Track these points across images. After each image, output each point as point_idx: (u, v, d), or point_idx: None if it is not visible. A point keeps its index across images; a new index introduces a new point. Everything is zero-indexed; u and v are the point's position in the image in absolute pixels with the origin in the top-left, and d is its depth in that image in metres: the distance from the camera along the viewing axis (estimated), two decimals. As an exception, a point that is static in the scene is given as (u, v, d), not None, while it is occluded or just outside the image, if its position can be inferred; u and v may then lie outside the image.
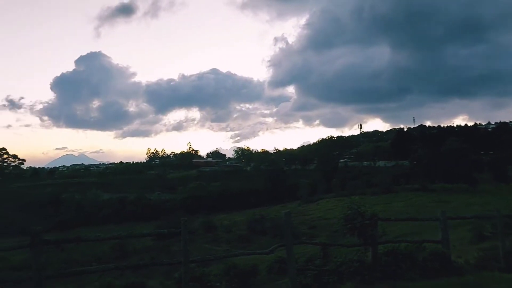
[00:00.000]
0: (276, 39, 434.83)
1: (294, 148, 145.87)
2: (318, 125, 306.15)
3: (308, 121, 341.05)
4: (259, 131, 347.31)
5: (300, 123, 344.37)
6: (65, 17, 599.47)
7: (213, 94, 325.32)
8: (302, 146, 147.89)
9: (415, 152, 53.52)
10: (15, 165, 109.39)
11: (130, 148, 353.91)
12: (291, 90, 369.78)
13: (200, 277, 8.13)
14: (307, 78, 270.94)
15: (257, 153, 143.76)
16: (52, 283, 8.38)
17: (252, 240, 27.26)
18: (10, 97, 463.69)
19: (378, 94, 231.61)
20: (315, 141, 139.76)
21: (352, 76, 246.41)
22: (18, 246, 6.65)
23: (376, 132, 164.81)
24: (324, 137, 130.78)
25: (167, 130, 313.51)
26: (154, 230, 24.10)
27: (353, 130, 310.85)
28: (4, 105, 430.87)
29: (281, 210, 34.57)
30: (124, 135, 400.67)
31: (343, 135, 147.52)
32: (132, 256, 25.64)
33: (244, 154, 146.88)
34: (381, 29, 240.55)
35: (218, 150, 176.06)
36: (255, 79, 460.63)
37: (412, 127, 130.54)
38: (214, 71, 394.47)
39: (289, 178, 70.16)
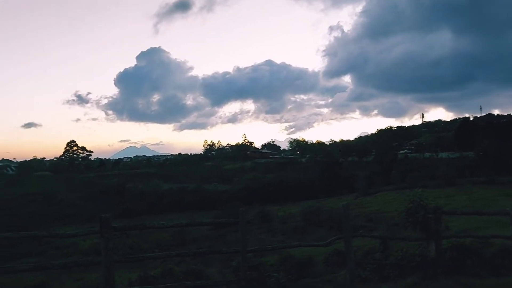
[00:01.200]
0: (331, 28, 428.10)
1: (351, 139, 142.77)
2: (376, 115, 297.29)
3: (366, 111, 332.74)
4: (314, 122, 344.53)
5: (357, 114, 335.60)
6: (127, 16, 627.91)
7: (267, 85, 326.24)
8: (360, 137, 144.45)
9: (481, 143, 50.27)
10: (84, 156, 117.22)
11: (187, 140, 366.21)
12: (347, 80, 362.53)
13: (257, 267, 8.23)
14: (364, 67, 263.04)
15: (312, 144, 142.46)
16: (119, 267, 8.90)
17: (307, 231, 27.11)
18: (79, 93, 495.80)
19: (440, 82, 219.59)
20: (373, 132, 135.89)
21: (411, 64, 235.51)
22: (89, 232, 7.12)
23: (439, 122, 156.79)
24: (383, 128, 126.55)
25: (223, 122, 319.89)
26: (213, 219, 24.77)
27: (413, 120, 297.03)
28: (73, 100, 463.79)
29: (337, 202, 34.09)
30: (182, 128, 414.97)
31: (403, 125, 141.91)
32: (191, 244, 26.52)
33: (299, 145, 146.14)
34: (442, 14, 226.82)
35: (273, 141, 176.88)
36: (310, 69, 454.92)
37: (478, 116, 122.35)
38: (269, 62, 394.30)
39: (346, 170, 68.79)
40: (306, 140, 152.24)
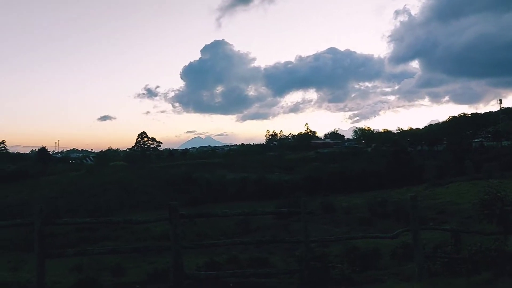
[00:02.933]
0: (397, 12, 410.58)
1: (420, 128, 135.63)
2: (447, 102, 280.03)
3: (436, 98, 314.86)
4: (380, 110, 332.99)
5: (426, 101, 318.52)
6: (191, 12, 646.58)
7: (330, 74, 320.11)
8: (430, 125, 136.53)
9: None
10: (154, 147, 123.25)
11: (250, 131, 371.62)
12: (414, 65, 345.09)
13: (321, 257, 8.19)
14: (433, 51, 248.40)
15: (378, 133, 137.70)
16: (187, 253, 9.33)
17: (372, 223, 26.39)
18: (148, 87, 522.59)
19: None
20: (444, 119, 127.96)
21: (485, 46, 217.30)
22: (158, 219, 7.52)
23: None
24: (456, 115, 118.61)
25: (285, 112, 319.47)
26: (275, 209, 24.96)
27: (489, 107, 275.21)
28: (143, 93, 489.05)
29: (405, 193, 32.78)
30: (244, 118, 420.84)
31: (478, 112, 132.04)
32: (255, 232, 26.98)
33: (364, 134, 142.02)
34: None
35: (337, 130, 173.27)
36: (375, 56, 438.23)
37: None
38: (332, 50, 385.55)
39: (414, 159, 65.77)
40: (372, 128, 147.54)
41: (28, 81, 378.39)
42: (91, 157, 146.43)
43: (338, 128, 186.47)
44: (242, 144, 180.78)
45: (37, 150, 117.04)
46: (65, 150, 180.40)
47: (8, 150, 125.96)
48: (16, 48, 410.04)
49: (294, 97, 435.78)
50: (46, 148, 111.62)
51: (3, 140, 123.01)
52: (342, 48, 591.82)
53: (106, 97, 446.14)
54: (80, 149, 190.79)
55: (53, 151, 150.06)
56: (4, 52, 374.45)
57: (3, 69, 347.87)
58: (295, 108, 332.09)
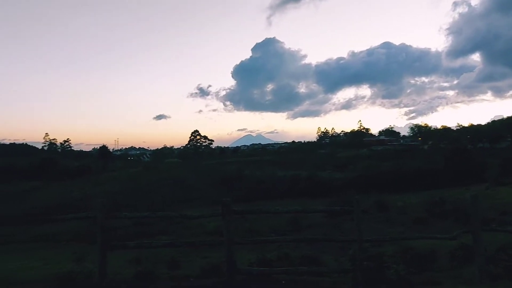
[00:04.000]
0: (455, 4, 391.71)
1: (482, 124, 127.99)
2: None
3: (499, 92, 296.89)
4: (437, 106, 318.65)
5: (488, 95, 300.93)
6: (241, 11, 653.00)
7: (384, 69, 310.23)
8: (493, 121, 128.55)
9: None
10: (206, 144, 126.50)
11: (301, 128, 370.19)
12: (475, 58, 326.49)
13: (375, 257, 8.03)
14: (495, 44, 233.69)
15: (436, 130, 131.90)
16: (239, 248, 9.50)
17: (429, 223, 25.28)
18: (200, 86, 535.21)
19: None
20: (510, 115, 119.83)
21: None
22: (212, 214, 7.74)
23: None
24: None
25: (336, 109, 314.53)
26: (327, 207, 24.68)
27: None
28: (196, 93, 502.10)
29: (464, 193, 31.20)
30: (295, 116, 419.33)
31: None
32: (306, 230, 26.81)
33: (420, 131, 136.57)
34: None
35: (392, 127, 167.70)
36: (432, 49, 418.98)
37: None
38: (386, 44, 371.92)
39: (475, 157, 62.19)
40: (429, 125, 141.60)
41: (90, 84, 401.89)
42: (147, 155, 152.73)
43: (393, 125, 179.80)
44: (293, 141, 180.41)
45: (98, 148, 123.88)
46: (123, 148, 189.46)
47: (72, 148, 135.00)
48: (79, 53, 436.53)
49: (346, 93, 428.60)
50: (106, 146, 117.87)
51: (68, 139, 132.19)
52: (397, 42, 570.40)
53: (161, 97, 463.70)
54: (137, 147, 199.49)
55: (113, 149, 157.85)
56: (68, 57, 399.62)
57: (69, 73, 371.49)
58: (347, 105, 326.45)
